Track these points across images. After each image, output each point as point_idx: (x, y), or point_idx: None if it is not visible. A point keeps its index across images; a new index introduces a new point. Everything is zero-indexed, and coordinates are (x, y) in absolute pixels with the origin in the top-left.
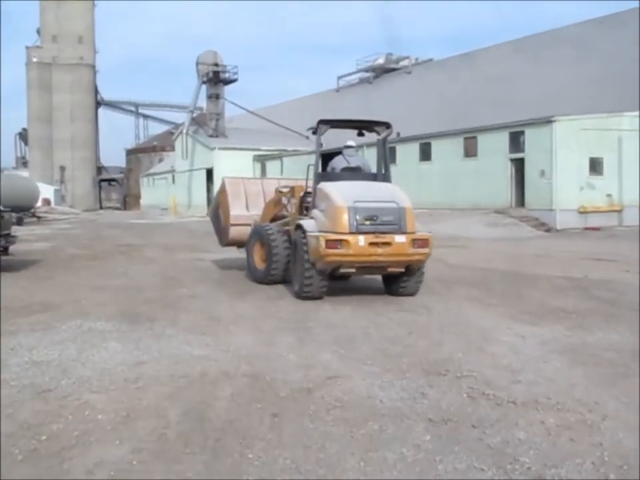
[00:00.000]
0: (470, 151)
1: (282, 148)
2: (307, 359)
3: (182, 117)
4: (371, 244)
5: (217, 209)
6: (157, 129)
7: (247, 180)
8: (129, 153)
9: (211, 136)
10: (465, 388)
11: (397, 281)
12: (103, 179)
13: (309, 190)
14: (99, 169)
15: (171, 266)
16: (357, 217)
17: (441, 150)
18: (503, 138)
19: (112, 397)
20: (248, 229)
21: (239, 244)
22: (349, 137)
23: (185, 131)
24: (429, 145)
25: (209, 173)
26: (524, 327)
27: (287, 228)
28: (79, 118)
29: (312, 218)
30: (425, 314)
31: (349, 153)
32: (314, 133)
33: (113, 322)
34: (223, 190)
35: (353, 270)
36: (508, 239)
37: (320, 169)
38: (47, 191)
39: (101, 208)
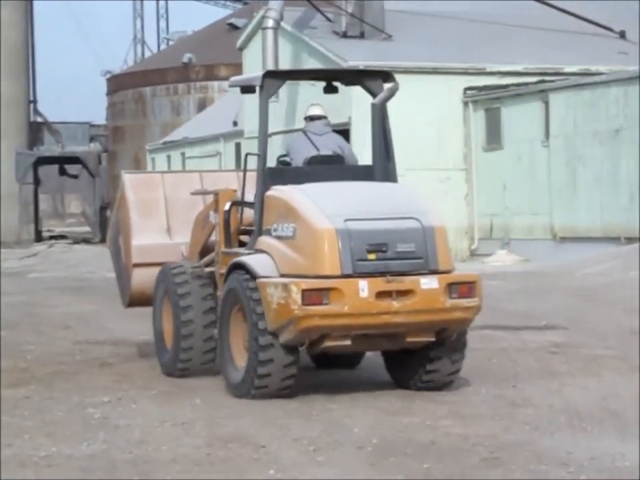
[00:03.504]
0: None
1: (552, 66)
2: None
3: None
4: (380, 294)
5: (118, 234)
6: (190, 20)
7: (173, 175)
8: (116, 85)
9: (345, 35)
10: None
11: (416, 360)
12: (47, 159)
13: (246, 198)
14: (36, 128)
15: (252, 407)
16: (353, 247)
17: None
18: None
19: None
20: None
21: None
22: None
23: (271, 24)
24: None
25: (340, 136)
26: None
27: (209, 270)
28: None
29: (261, 251)
30: None
31: (316, 129)
32: (245, 91)
33: None
34: (121, 197)
35: (348, 342)
36: None
37: (266, 162)
38: None
39: (40, 238)
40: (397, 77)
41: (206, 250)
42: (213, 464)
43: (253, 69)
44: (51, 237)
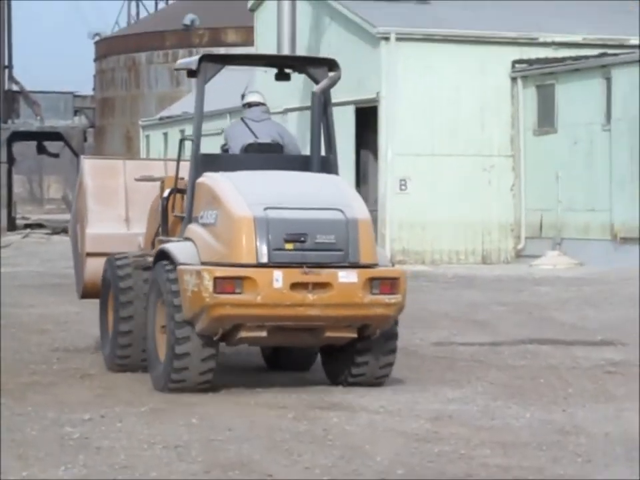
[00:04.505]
0: None
1: (615, 37)
2: None
3: None
4: (295, 286)
5: (76, 222)
6: None
7: (136, 162)
8: (106, 49)
9: None
10: None
11: (346, 354)
12: (23, 134)
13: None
14: (11, 98)
15: None
16: (271, 236)
17: None
18: None
19: None
20: None
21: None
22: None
23: None
24: None
25: (365, 115)
26: None
27: (151, 259)
28: None
29: (188, 239)
30: None
31: (254, 116)
32: (191, 75)
33: None
34: (80, 183)
35: (263, 334)
36: None
37: (199, 147)
38: None
39: (14, 227)
40: (435, 46)
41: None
42: None
43: (266, 34)
44: (26, 226)
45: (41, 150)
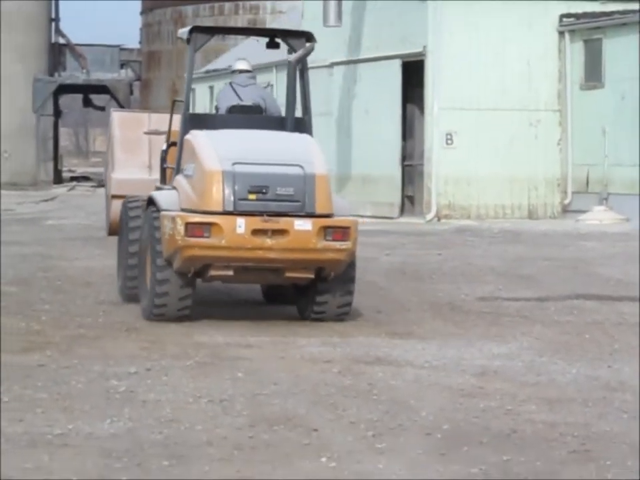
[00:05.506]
0: None
1: None
2: None
3: None
4: (256, 232)
5: (106, 168)
6: None
7: (160, 115)
8: (152, 3)
9: None
10: None
11: (310, 292)
12: (69, 87)
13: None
14: (57, 51)
15: None
16: (236, 188)
17: None
18: None
19: None
20: None
21: None
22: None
23: None
24: None
25: (412, 70)
26: None
27: None
28: None
29: (174, 188)
30: None
31: (241, 81)
32: (188, 42)
33: None
34: (109, 133)
35: (230, 272)
36: None
37: (189, 107)
38: None
39: (60, 180)
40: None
41: None
42: (256, 448)
43: None
44: (72, 178)
45: (87, 103)
